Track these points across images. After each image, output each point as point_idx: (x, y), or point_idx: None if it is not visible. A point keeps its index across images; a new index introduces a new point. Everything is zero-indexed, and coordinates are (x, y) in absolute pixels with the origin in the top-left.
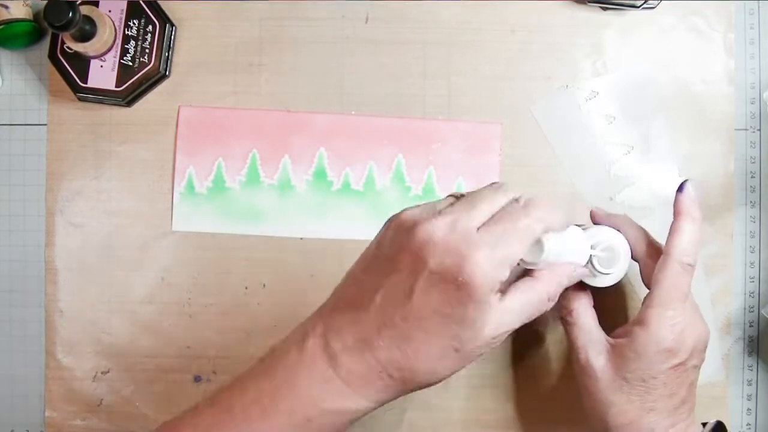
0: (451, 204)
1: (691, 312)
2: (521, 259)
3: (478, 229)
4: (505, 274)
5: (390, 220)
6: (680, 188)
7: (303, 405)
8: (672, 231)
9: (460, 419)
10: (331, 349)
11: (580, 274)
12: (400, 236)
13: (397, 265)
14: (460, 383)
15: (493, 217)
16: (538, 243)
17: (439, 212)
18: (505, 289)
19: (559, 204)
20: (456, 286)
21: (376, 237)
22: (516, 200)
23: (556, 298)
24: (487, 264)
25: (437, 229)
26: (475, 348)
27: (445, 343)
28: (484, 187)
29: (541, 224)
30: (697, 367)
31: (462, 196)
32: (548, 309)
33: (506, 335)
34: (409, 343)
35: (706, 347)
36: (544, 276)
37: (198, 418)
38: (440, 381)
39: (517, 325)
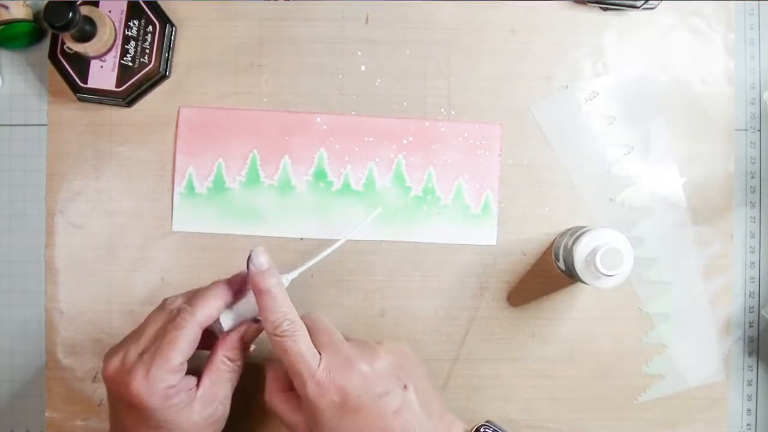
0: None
1: (334, 357)
2: (220, 331)
3: (141, 354)
4: (169, 381)
5: None
6: (248, 261)
7: None
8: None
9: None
10: None
11: (253, 332)
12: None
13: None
14: (459, 383)
15: (152, 338)
16: (222, 317)
17: (117, 349)
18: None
19: (216, 289)
20: (137, 409)
21: None
22: (175, 310)
23: (240, 355)
24: (145, 384)
25: (109, 367)
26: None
27: None
28: (153, 311)
29: (193, 324)
30: (390, 393)
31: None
32: (239, 366)
33: (227, 400)
34: None
35: (383, 372)
36: (218, 346)
37: None
38: None
39: (226, 391)
